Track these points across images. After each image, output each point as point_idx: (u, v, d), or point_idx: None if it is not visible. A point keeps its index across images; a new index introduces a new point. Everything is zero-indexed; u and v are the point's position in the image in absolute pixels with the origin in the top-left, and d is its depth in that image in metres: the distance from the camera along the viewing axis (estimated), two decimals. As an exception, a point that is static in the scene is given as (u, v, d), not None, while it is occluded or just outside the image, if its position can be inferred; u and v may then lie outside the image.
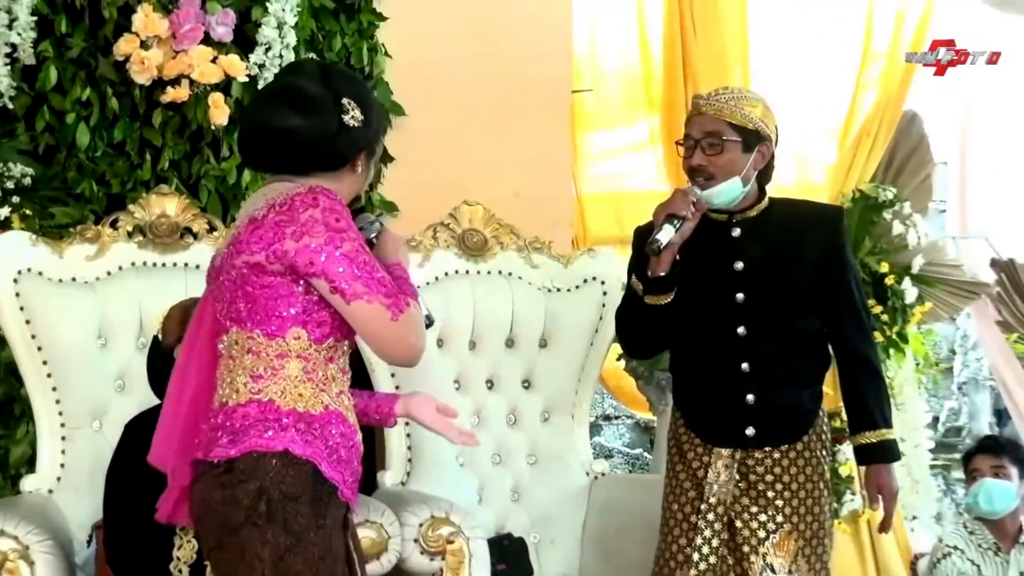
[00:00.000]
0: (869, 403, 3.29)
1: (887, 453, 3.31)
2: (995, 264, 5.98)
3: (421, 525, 3.57)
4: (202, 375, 2.63)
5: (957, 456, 6.35)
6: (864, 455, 3.32)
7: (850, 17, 5.42)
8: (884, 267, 5.10)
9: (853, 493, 4.86)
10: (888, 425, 3.29)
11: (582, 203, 5.29)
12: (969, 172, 6.36)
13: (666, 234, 3.08)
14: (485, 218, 4.32)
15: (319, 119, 2.54)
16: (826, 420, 3.33)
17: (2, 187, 3.94)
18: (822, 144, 5.45)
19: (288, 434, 2.46)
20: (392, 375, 4.06)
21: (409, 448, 4.07)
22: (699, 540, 3.22)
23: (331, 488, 2.50)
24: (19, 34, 3.96)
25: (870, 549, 5.18)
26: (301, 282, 2.47)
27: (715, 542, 3.21)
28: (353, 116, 2.56)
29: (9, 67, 3.99)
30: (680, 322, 3.23)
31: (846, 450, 4.72)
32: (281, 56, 4.16)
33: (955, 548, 4.78)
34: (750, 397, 3.21)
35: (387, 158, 4.54)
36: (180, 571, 3.09)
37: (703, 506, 3.22)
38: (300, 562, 2.42)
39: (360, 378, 4.19)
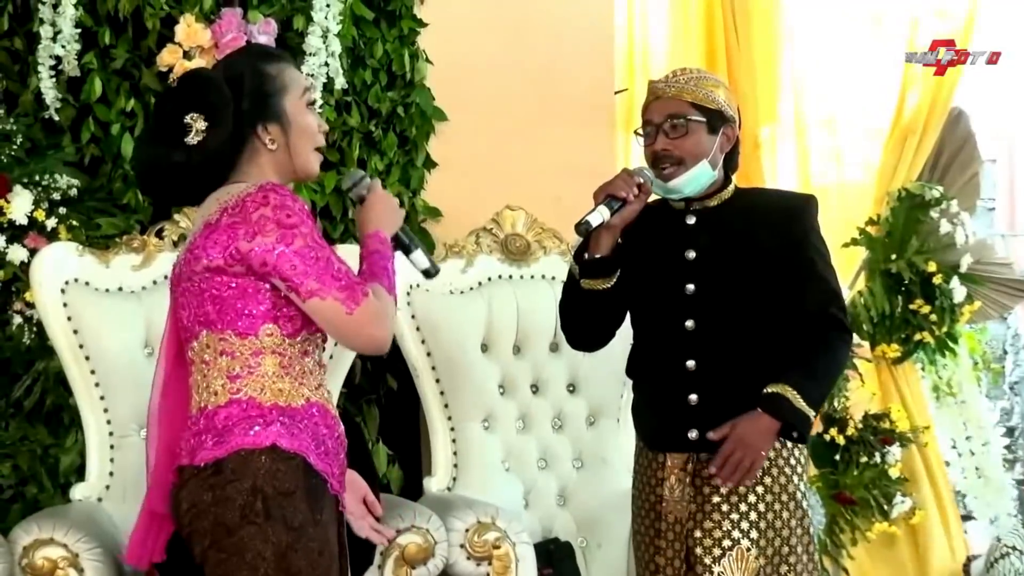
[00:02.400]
0: (808, 370, 2.94)
1: (781, 410, 2.90)
2: (1044, 262, 5.91)
3: (467, 530, 3.58)
4: (177, 388, 2.61)
5: (1011, 457, 6.27)
6: (764, 402, 2.91)
7: (895, 13, 5.37)
8: (932, 266, 5.04)
9: (904, 495, 4.80)
10: (808, 399, 2.90)
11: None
12: (1018, 169, 6.29)
13: (599, 215, 2.88)
14: (528, 223, 4.30)
15: (166, 153, 2.52)
16: None
17: (49, 198, 3.97)
18: (868, 143, 5.40)
19: (274, 428, 2.45)
20: (437, 380, 4.06)
21: (455, 453, 4.06)
22: (662, 560, 3.01)
23: (322, 481, 2.48)
24: (63, 46, 3.97)
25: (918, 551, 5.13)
26: (263, 279, 2.46)
27: (676, 562, 2.99)
28: (196, 131, 2.51)
29: (54, 79, 4.01)
30: (632, 316, 3.09)
31: (895, 451, 4.68)
32: (327, 64, 4.17)
33: (1013, 548, 4.69)
34: (693, 397, 2.98)
35: (430, 163, 4.56)
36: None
37: (662, 524, 3.01)
38: (302, 558, 2.41)
39: (406, 389, 4.23)
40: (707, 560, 2.94)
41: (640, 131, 3.07)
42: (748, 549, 2.93)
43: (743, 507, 2.95)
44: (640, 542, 3.10)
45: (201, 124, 2.50)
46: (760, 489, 2.96)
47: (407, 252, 2.82)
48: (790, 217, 3.03)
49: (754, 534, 2.94)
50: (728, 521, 2.94)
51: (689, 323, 3.00)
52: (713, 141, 2.98)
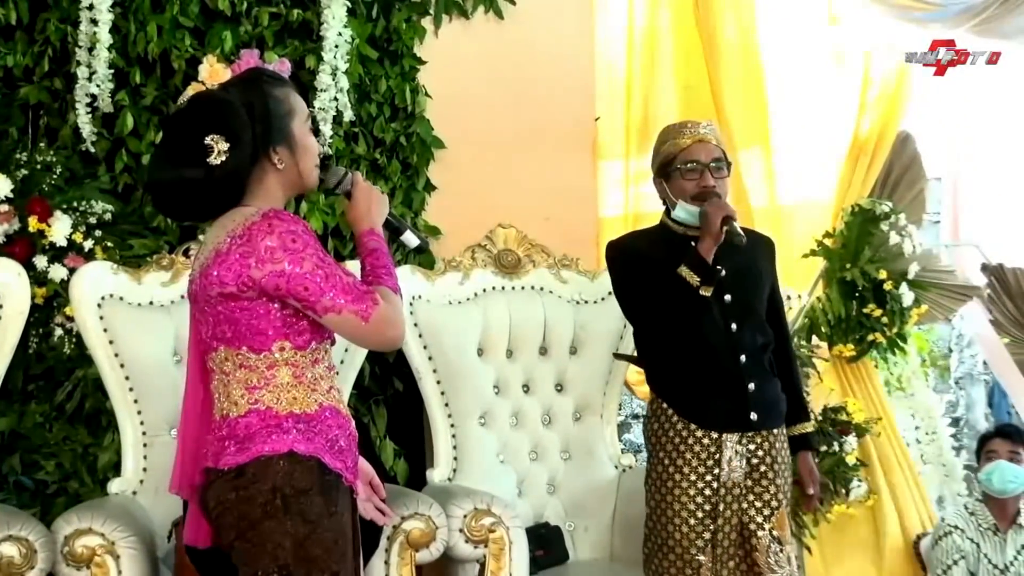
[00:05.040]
0: (804, 398, 3.48)
1: (815, 442, 3.52)
2: (985, 269, 5.86)
3: (465, 516, 3.55)
4: (198, 389, 2.60)
5: (957, 445, 6.23)
6: (800, 444, 3.41)
7: (851, 49, 5.34)
8: (883, 274, 5.01)
9: (860, 480, 4.76)
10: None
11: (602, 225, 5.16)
12: (960, 186, 6.25)
13: (740, 229, 3.13)
14: (518, 239, 4.29)
15: (187, 173, 2.45)
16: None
17: (86, 222, 3.96)
18: (825, 164, 5.36)
19: (290, 436, 2.43)
20: (438, 382, 4.04)
21: (455, 447, 4.04)
22: (720, 521, 3.20)
23: (336, 477, 2.47)
24: (98, 85, 3.97)
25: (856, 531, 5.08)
26: (276, 300, 2.43)
27: (734, 520, 3.22)
28: (219, 151, 2.43)
29: (90, 115, 4.01)
30: (680, 322, 3.22)
31: (851, 440, 4.64)
32: (336, 99, 4.16)
33: (956, 527, 4.68)
34: (751, 385, 3.23)
35: (430, 187, 4.56)
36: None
37: (721, 489, 3.20)
38: (318, 547, 2.40)
39: (410, 390, 4.20)
40: (759, 519, 3.23)
41: (686, 166, 3.24)
42: (785, 508, 3.28)
43: (780, 478, 3.26)
44: (688, 513, 3.20)
45: (223, 145, 2.43)
46: (782, 458, 3.28)
47: (398, 234, 2.80)
48: (771, 250, 3.46)
49: (790, 495, 3.31)
50: (774, 486, 3.25)
51: (733, 326, 3.25)
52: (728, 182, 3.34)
